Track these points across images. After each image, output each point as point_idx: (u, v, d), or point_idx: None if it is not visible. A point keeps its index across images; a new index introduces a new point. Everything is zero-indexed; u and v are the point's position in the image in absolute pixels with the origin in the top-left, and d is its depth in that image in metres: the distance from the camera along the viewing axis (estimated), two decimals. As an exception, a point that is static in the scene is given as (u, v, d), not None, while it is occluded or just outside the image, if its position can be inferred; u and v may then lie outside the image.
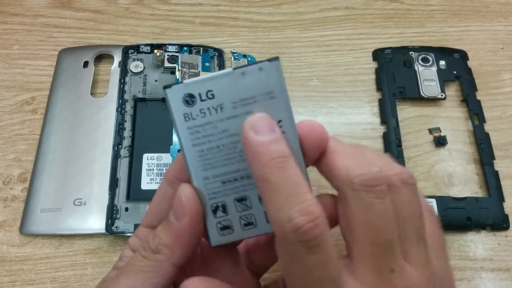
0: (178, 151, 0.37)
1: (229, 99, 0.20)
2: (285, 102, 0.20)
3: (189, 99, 0.20)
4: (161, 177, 0.37)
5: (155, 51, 0.42)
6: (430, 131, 0.41)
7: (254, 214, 0.22)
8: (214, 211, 0.21)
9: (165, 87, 0.20)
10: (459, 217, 0.36)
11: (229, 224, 0.22)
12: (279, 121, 0.20)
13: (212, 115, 0.20)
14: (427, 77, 0.43)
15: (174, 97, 0.20)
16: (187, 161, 0.21)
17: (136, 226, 0.35)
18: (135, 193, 0.36)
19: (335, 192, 0.35)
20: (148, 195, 0.36)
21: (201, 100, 0.20)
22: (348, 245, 0.20)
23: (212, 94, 0.19)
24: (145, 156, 0.37)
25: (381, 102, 0.42)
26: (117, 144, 0.37)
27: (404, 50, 0.44)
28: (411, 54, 0.44)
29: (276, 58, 0.19)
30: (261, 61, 0.19)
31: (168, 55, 0.42)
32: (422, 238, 0.20)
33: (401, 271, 0.19)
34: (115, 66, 0.42)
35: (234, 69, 0.20)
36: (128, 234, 0.34)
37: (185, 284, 0.20)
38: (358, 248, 0.19)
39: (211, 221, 0.22)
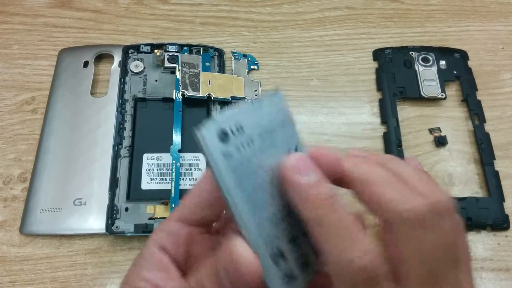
0: (179, 151, 0.37)
1: (255, 131, 0.19)
2: (295, 129, 0.20)
3: (223, 136, 0.18)
4: (161, 177, 0.36)
5: (155, 51, 0.42)
6: (430, 131, 0.41)
7: (307, 252, 0.20)
8: (276, 261, 0.19)
9: (199, 128, 0.18)
10: (459, 217, 0.36)
11: (292, 271, 0.19)
12: (296, 147, 0.20)
13: (246, 149, 0.18)
14: (427, 77, 0.43)
15: (209, 136, 0.18)
16: (237, 208, 0.18)
17: (136, 226, 0.34)
18: (135, 193, 0.36)
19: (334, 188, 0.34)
20: (148, 195, 0.36)
21: (233, 135, 0.18)
22: (397, 275, 0.19)
23: (242, 127, 0.18)
24: (145, 156, 0.37)
25: (381, 102, 0.42)
26: (117, 144, 0.37)
27: (404, 50, 0.44)
28: (411, 54, 0.44)
29: (277, 92, 0.20)
30: (268, 94, 0.19)
31: (168, 55, 0.42)
32: (457, 264, 0.20)
33: None
34: (115, 66, 0.42)
35: (253, 102, 0.19)
36: (128, 234, 0.34)
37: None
38: (409, 280, 0.19)
39: (274, 274, 0.19)
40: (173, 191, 0.35)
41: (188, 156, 0.37)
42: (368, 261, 0.17)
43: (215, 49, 0.43)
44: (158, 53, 0.42)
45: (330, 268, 0.18)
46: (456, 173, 0.39)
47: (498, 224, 0.36)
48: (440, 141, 0.40)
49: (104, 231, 0.34)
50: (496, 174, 0.38)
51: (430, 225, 0.19)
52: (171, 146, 0.37)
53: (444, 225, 0.19)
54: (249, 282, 0.18)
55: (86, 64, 0.42)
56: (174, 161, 0.36)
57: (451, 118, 0.42)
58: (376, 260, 0.18)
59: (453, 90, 0.43)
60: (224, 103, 0.40)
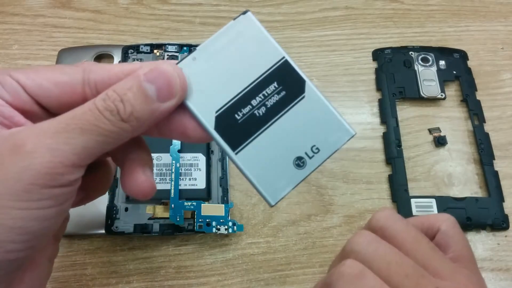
0: (178, 151, 0.37)
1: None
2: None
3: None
4: (161, 177, 0.36)
5: (155, 51, 0.42)
6: (430, 131, 0.41)
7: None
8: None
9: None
10: (459, 217, 0.36)
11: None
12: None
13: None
14: (427, 77, 0.43)
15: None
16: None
17: (136, 226, 0.35)
18: (135, 193, 0.36)
19: (333, 188, 0.35)
20: (147, 195, 0.36)
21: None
22: None
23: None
24: (145, 156, 0.37)
25: (381, 102, 0.42)
26: (117, 144, 0.37)
27: (404, 50, 0.44)
28: (411, 54, 0.44)
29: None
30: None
31: (168, 55, 0.42)
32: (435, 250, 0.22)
33: None
34: (115, 66, 0.42)
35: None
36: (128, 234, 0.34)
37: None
38: None
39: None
40: (172, 191, 0.35)
41: (187, 156, 0.37)
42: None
43: (215, 49, 0.43)
44: (158, 53, 0.42)
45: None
46: (456, 173, 0.39)
47: (497, 224, 0.36)
48: (440, 141, 0.40)
49: (103, 231, 0.34)
50: (496, 174, 0.38)
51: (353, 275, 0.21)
52: (171, 146, 0.37)
53: (389, 233, 0.22)
54: (176, 99, 0.19)
55: (85, 64, 0.42)
56: (173, 161, 0.36)
57: (451, 118, 0.42)
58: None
59: (452, 90, 0.43)
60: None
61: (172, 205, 0.35)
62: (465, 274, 0.21)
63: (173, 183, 0.36)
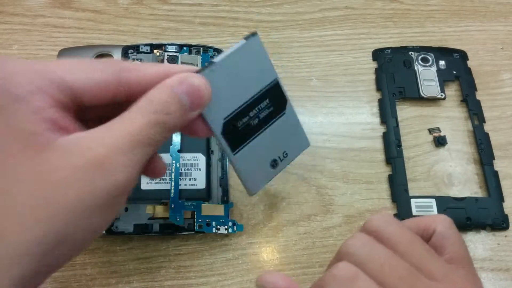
0: (178, 151, 0.37)
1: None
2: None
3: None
4: (161, 177, 0.36)
5: (155, 51, 0.42)
6: (430, 131, 0.41)
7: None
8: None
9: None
10: (458, 217, 0.36)
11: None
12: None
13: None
14: (427, 77, 0.43)
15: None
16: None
17: (136, 226, 0.35)
18: (135, 194, 0.36)
19: (333, 188, 0.35)
20: (147, 195, 0.36)
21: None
22: None
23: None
24: (145, 156, 0.37)
25: (381, 102, 0.42)
26: (117, 144, 0.37)
27: (403, 50, 0.44)
28: (411, 54, 0.44)
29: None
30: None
31: (168, 55, 0.42)
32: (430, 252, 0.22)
33: None
34: (115, 66, 0.42)
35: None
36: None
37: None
38: None
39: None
40: (172, 191, 0.35)
41: (187, 156, 0.37)
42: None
43: (215, 49, 0.43)
44: (158, 54, 0.42)
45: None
46: (456, 173, 0.39)
47: (497, 224, 0.36)
48: (440, 141, 0.40)
49: (103, 231, 0.34)
50: (496, 174, 0.38)
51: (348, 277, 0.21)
52: (171, 146, 0.37)
53: (384, 236, 0.23)
54: (203, 107, 0.22)
55: (85, 64, 0.42)
56: (173, 161, 0.37)
57: (451, 118, 0.42)
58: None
59: (452, 90, 0.43)
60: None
61: (172, 205, 0.35)
62: (461, 274, 0.21)
63: (173, 183, 0.36)
